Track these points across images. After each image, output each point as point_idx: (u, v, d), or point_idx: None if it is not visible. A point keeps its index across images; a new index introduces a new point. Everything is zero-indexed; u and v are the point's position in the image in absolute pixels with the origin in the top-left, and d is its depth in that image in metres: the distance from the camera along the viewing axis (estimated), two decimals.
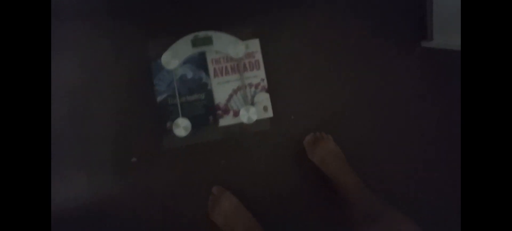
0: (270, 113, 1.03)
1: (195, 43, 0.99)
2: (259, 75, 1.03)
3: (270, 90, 1.03)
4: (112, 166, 1.02)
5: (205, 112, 1.02)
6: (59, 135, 1.00)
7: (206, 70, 1.02)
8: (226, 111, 1.02)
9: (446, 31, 1.00)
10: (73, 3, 1.03)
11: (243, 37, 1.02)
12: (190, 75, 1.02)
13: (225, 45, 1.00)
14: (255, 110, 0.99)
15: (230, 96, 1.02)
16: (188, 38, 1.00)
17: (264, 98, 1.03)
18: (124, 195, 1.02)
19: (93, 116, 1.02)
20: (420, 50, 1.07)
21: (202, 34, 1.00)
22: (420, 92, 1.08)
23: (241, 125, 1.02)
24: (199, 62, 1.02)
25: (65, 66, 1.01)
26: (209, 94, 1.02)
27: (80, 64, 1.02)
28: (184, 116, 1.00)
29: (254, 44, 1.03)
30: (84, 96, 1.02)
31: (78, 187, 1.02)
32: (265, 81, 1.03)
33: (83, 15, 1.03)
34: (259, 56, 1.03)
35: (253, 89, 1.03)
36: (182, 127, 0.98)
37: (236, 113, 1.02)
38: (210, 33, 1.00)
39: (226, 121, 1.02)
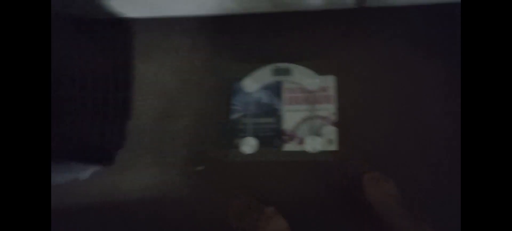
0: (334, 147, 1.04)
1: (275, 72, 1.09)
2: (329, 109, 1.06)
3: (338, 124, 1.05)
4: (182, 167, 1.12)
5: (273, 135, 1.07)
6: (142, 130, 1.16)
7: (280, 97, 1.10)
8: (292, 137, 1.06)
9: None
10: (182, 22, 1.23)
11: (320, 72, 1.08)
12: (265, 99, 1.11)
13: (302, 77, 1.07)
14: (320, 142, 1.01)
15: (298, 124, 1.07)
16: (270, 67, 1.10)
17: (330, 131, 1.05)
18: (187, 195, 1.10)
19: (174, 118, 1.16)
20: None
21: (282, 65, 1.09)
22: None
23: (304, 153, 1.04)
24: (275, 89, 1.11)
25: (162, 71, 1.20)
26: (279, 120, 1.08)
27: (174, 71, 1.19)
28: (252, 135, 1.07)
29: (329, 80, 1.08)
30: (170, 99, 1.17)
31: (150, 180, 1.13)
32: (335, 115, 1.06)
33: (186, 30, 1.22)
34: (332, 92, 1.07)
35: (321, 121, 1.06)
36: (249, 145, 1.05)
37: (302, 141, 1.05)
38: (290, 65, 1.09)
39: (291, 147, 1.06)
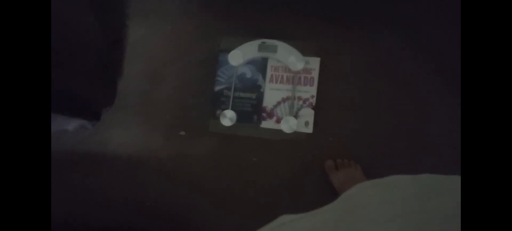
0: (310, 129, 1.05)
1: (261, 48, 1.09)
2: (310, 92, 1.07)
3: (316, 108, 1.05)
4: (165, 131, 1.15)
5: (252, 111, 1.09)
6: (130, 92, 1.18)
7: (264, 74, 1.10)
8: (270, 115, 1.08)
9: None
10: None
11: (306, 53, 1.07)
12: (249, 75, 1.11)
13: (287, 57, 1.06)
14: (297, 123, 1.03)
15: (278, 103, 1.08)
16: (256, 42, 1.09)
17: (308, 114, 1.06)
18: (167, 158, 1.14)
19: (160, 83, 1.18)
20: None
21: (270, 42, 1.09)
22: None
23: (280, 132, 1.06)
24: (260, 65, 1.11)
25: (153, 35, 1.21)
26: (260, 96, 1.09)
27: (164, 37, 1.20)
28: (233, 108, 1.08)
29: (314, 62, 1.08)
30: (158, 64, 1.19)
31: (134, 140, 1.17)
32: (314, 98, 1.06)
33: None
34: (315, 74, 1.07)
35: (301, 102, 1.07)
36: (228, 117, 1.07)
37: (279, 120, 1.07)
38: (277, 42, 1.08)
39: (268, 124, 1.07)
